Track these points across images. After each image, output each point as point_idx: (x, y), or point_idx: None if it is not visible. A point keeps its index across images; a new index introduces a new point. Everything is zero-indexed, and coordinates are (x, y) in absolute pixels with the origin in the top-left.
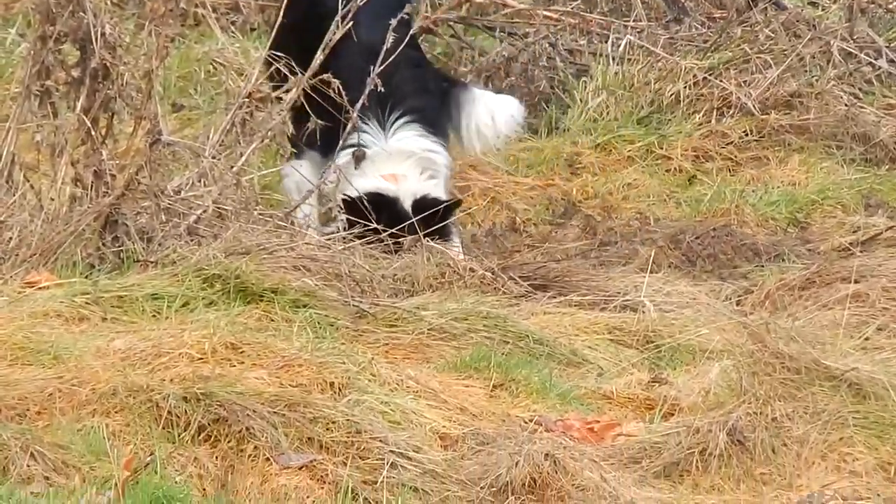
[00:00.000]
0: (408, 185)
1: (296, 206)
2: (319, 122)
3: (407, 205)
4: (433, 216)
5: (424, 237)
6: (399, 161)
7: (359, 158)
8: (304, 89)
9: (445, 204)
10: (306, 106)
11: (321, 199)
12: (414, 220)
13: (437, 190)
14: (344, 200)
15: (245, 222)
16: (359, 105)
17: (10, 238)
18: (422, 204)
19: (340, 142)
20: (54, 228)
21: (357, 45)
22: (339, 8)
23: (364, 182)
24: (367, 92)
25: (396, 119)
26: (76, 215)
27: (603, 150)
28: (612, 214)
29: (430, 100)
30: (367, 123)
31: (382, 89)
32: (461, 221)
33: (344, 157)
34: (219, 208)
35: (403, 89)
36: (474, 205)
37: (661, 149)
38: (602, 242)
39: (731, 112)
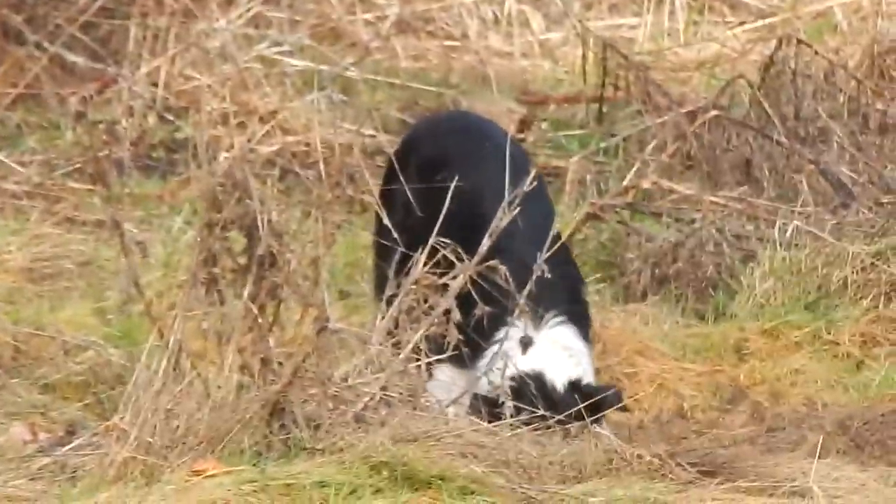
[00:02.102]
0: (559, 370)
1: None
2: (486, 308)
3: (559, 385)
4: (589, 403)
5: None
6: (551, 350)
7: (526, 344)
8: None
9: (605, 394)
10: (473, 293)
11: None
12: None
13: (589, 378)
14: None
15: (412, 409)
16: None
17: (178, 426)
18: (577, 387)
19: (493, 336)
20: (221, 416)
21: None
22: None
23: (517, 366)
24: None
25: (550, 319)
26: (243, 403)
27: (770, 335)
28: (779, 400)
29: (581, 307)
30: (518, 324)
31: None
32: (628, 407)
33: (506, 344)
34: (386, 395)
35: (556, 296)
36: (641, 391)
37: (829, 334)
38: (770, 428)
39: None
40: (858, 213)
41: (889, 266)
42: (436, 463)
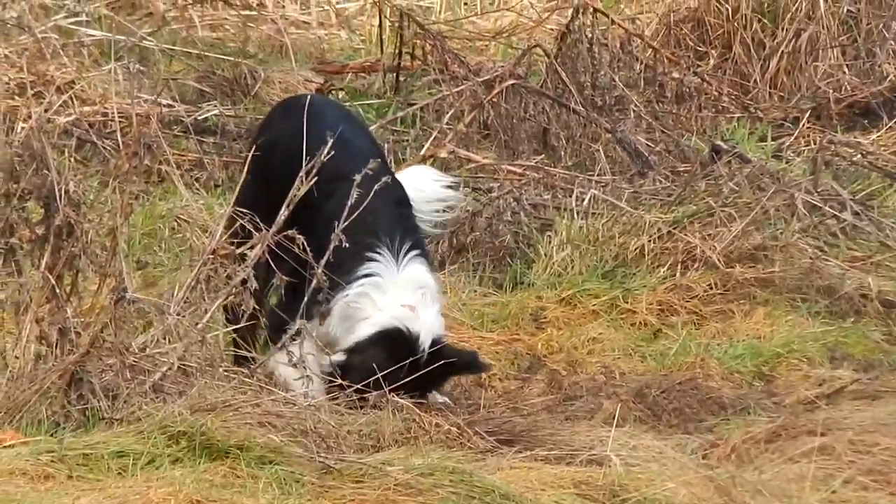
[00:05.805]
0: (426, 319)
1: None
2: (285, 278)
3: (425, 344)
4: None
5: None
6: (412, 290)
7: (324, 315)
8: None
9: (469, 359)
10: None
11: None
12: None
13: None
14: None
15: (210, 379)
16: (323, 262)
17: None
18: (438, 345)
19: (350, 273)
20: (19, 386)
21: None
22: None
23: (379, 315)
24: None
25: (407, 252)
26: (41, 373)
27: (568, 304)
28: (577, 369)
29: (422, 237)
30: (379, 252)
31: (347, 245)
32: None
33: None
34: (184, 365)
35: (404, 224)
36: None
37: (626, 303)
38: (567, 397)
39: (695, 265)
40: (655, 182)
41: (685, 235)
42: (234, 432)
